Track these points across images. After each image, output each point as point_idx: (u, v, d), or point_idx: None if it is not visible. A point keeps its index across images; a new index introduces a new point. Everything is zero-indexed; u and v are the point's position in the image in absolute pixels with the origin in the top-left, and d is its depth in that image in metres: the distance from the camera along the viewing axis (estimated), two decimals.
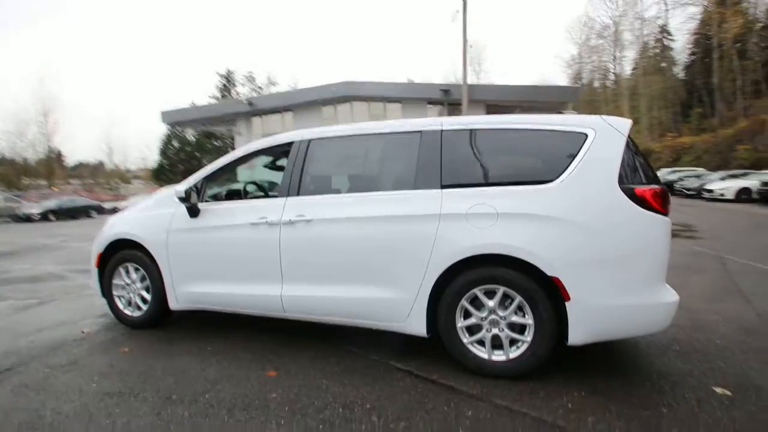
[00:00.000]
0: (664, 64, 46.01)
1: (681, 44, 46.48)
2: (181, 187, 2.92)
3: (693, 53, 44.12)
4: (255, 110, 21.18)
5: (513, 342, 2.30)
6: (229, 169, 3.19)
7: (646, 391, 2.12)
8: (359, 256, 2.53)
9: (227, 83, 46.84)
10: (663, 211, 2.16)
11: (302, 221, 2.65)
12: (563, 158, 2.31)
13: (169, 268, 3.05)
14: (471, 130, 2.52)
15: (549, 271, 2.16)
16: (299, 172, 2.80)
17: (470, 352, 2.35)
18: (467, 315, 2.37)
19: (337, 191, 2.73)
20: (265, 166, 3.74)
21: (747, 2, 36.46)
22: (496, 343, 2.32)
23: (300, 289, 2.69)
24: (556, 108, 17.18)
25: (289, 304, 2.72)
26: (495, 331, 2.32)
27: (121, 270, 3.28)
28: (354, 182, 2.73)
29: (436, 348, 2.63)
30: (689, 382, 2.22)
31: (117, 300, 3.33)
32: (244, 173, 4.29)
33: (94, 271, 3.38)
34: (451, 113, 19.05)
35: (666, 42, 46.70)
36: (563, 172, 2.27)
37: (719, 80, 37.01)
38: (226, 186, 3.56)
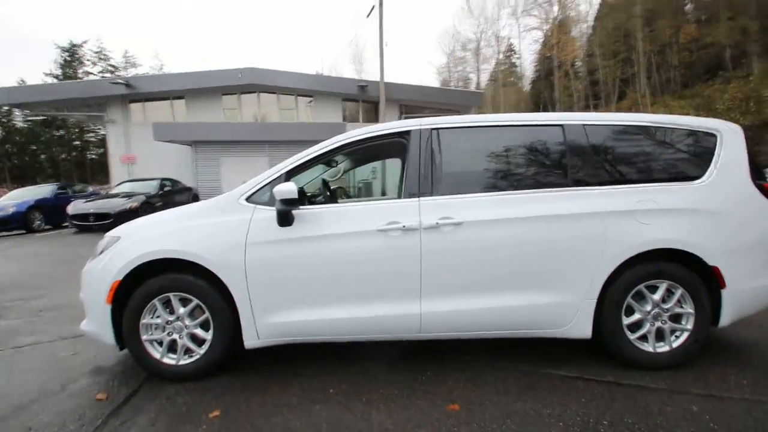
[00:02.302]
0: (511, 79, 54.34)
1: (529, 62, 55.65)
2: (285, 186, 2.22)
3: (538, 70, 53.17)
4: (134, 94, 17.89)
5: (672, 332, 2.39)
6: (317, 163, 2.57)
7: None
8: (519, 260, 2.30)
9: (71, 59, 38.44)
10: None
11: (449, 225, 2.28)
12: (703, 156, 2.48)
13: (247, 295, 2.30)
14: (614, 125, 2.50)
15: (710, 261, 2.30)
16: (429, 167, 2.40)
17: (636, 348, 2.35)
18: (629, 312, 2.37)
19: (482, 189, 2.41)
20: (355, 162, 3.13)
21: (579, 31, 45.12)
22: (657, 336, 2.38)
23: (444, 304, 2.31)
24: (463, 110, 18.65)
25: (430, 322, 2.32)
26: (658, 324, 2.37)
27: (157, 304, 2.36)
28: (495, 179, 2.46)
29: (573, 349, 2.57)
30: None
31: (149, 347, 2.39)
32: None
33: (104, 310, 2.35)
34: (366, 111, 19.06)
35: (514, 59, 55.42)
36: (707, 169, 2.44)
37: (560, 94, 45.22)
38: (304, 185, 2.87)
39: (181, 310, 2.37)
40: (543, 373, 2.36)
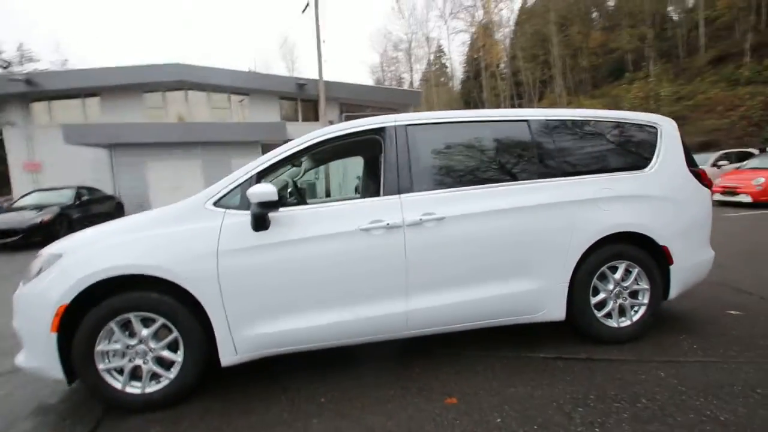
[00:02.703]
0: (442, 79, 56.72)
1: (458, 63, 58.35)
2: (263, 188, 2.05)
3: (467, 71, 55.94)
4: (36, 92, 15.85)
5: (632, 307, 2.61)
6: (287, 164, 2.42)
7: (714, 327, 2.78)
8: (500, 251, 2.38)
9: None
10: (709, 186, 2.84)
11: (432, 220, 2.28)
12: (647, 147, 2.74)
13: (222, 308, 2.11)
14: (573, 121, 2.68)
15: (660, 241, 2.56)
16: (407, 163, 2.38)
17: (603, 325, 2.54)
18: (595, 292, 2.56)
19: (459, 184, 2.44)
20: (325, 159, 2.96)
21: (502, 35, 48.11)
22: (619, 312, 2.59)
23: (430, 300, 2.31)
24: (402, 109, 18.95)
25: (417, 319, 2.31)
26: (620, 301, 2.58)
27: (115, 327, 2.08)
28: (471, 174, 2.49)
29: (545, 332, 2.72)
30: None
31: (108, 377, 2.09)
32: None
33: (48, 340, 2.02)
34: (305, 110, 18.60)
35: (444, 60, 57.89)
36: (652, 159, 2.71)
37: (487, 95, 47.94)
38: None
39: (144, 332, 2.11)
40: (525, 357, 2.46)
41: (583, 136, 2.69)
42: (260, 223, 2.12)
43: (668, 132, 2.80)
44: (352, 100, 18.22)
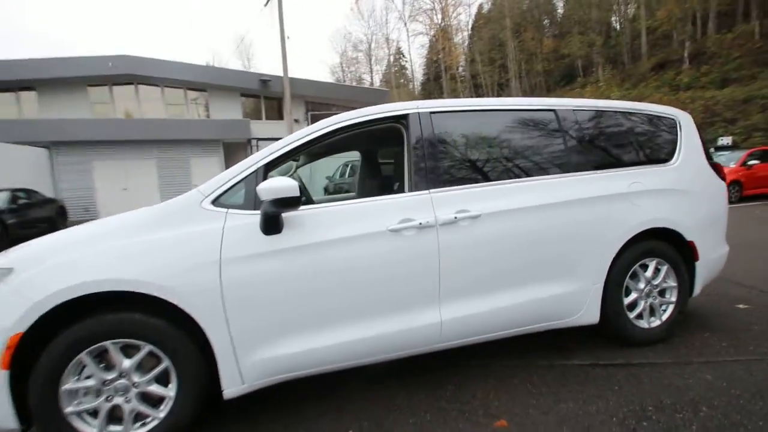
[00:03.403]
0: (402, 80, 57.19)
1: (419, 65, 59.00)
2: (279, 182, 1.69)
3: (427, 74, 56.73)
4: None
5: (660, 306, 2.50)
6: (296, 154, 2.07)
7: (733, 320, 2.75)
8: (537, 251, 2.17)
9: None
10: (725, 181, 2.80)
11: (467, 218, 2.03)
12: (669, 140, 2.65)
13: (226, 328, 1.74)
14: (599, 111, 2.53)
15: (688, 237, 2.47)
16: (435, 155, 2.11)
17: (636, 327, 2.41)
18: (627, 292, 2.42)
19: (491, 178, 2.20)
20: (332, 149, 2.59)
21: (461, 39, 49.23)
22: (650, 312, 2.48)
23: (465, 307, 2.06)
24: None
25: (452, 328, 2.04)
26: (650, 300, 2.46)
27: (87, 359, 1.64)
28: (503, 167, 2.25)
29: (562, 335, 2.56)
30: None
31: (78, 421, 1.65)
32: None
33: (0, 376, 1.56)
34: (268, 107, 17.83)
35: (403, 62, 58.36)
36: (675, 152, 2.62)
37: (447, 97, 48.85)
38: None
39: (126, 363, 1.69)
40: (560, 366, 2.28)
41: (610, 127, 2.55)
42: (273, 224, 1.77)
43: (686, 124, 2.74)
44: (318, 98, 17.69)
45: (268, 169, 1.96)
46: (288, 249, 1.81)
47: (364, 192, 3.27)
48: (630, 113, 2.63)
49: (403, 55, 57.80)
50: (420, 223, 1.96)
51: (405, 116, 2.15)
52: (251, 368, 1.80)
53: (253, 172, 1.91)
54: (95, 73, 14.81)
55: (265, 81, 16.17)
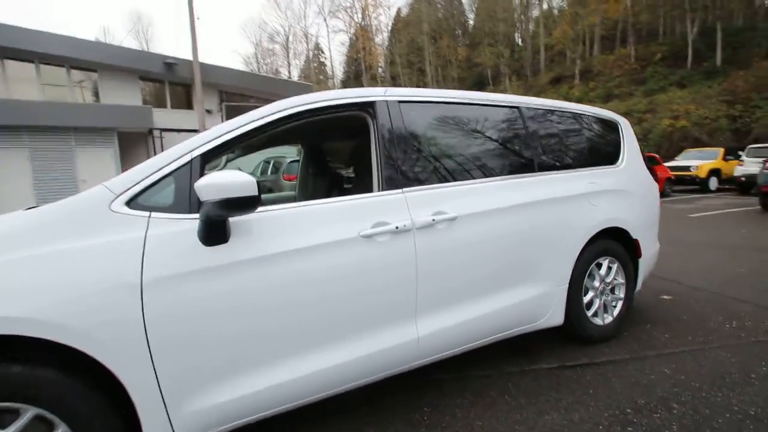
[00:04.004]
0: (322, 77, 56.35)
1: (339, 62, 58.51)
2: (231, 177, 1.27)
3: (347, 72, 56.49)
4: None
5: (611, 303, 2.58)
6: (241, 143, 1.64)
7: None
8: (510, 255, 2.04)
9: None
10: (657, 181, 3.00)
11: (444, 220, 1.81)
12: (614, 142, 2.75)
13: (152, 372, 1.28)
14: (555, 111, 2.51)
15: (634, 235, 2.58)
16: (404, 151, 1.86)
17: (593, 325, 2.44)
18: (585, 291, 2.44)
19: (464, 176, 2.01)
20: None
21: (381, 39, 49.91)
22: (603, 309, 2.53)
23: (442, 319, 1.85)
24: None
25: (429, 344, 1.81)
26: (603, 298, 2.51)
27: None
28: (474, 164, 2.06)
29: (526, 338, 2.53)
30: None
31: None
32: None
33: None
34: (175, 95, 15.96)
35: (322, 59, 57.41)
36: (619, 154, 2.73)
37: None
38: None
39: None
40: (531, 371, 2.19)
41: (567, 128, 2.55)
42: (218, 232, 1.36)
43: (626, 127, 2.88)
44: (233, 88, 16.32)
45: (206, 160, 1.53)
46: (238, 263, 1.41)
47: (310, 192, 2.90)
48: (581, 115, 2.67)
49: (323, 52, 56.75)
50: (396, 227, 1.69)
51: (372, 104, 1.87)
52: (188, 421, 1.37)
53: (185, 164, 1.46)
54: None
55: (170, 64, 14.38)
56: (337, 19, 52.14)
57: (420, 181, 1.86)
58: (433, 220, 1.78)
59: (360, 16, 49.17)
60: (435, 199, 1.85)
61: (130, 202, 1.36)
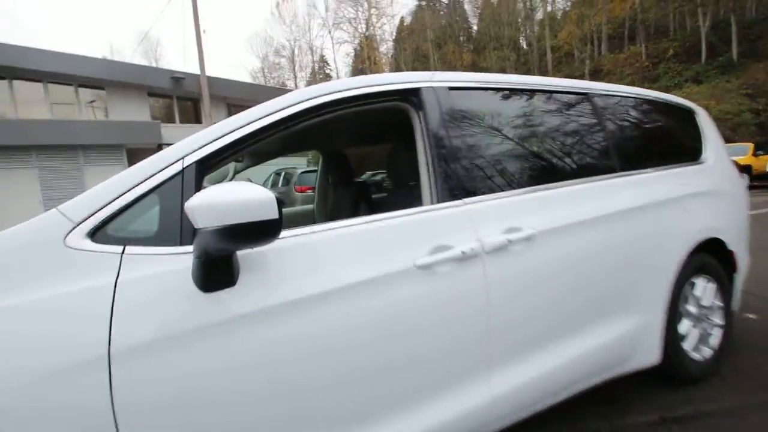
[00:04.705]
0: None
1: (344, 73, 58.61)
2: (240, 191, 0.85)
3: None
4: None
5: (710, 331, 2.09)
6: (248, 146, 1.22)
7: None
8: (599, 278, 1.58)
9: None
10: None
11: (520, 240, 1.37)
12: (694, 135, 2.29)
13: None
14: (621, 97, 2.05)
15: (730, 246, 2.10)
16: (461, 151, 1.43)
17: (692, 361, 1.95)
18: (678, 319, 1.96)
19: (534, 181, 1.57)
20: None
21: (386, 48, 50.05)
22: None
23: (521, 369, 1.39)
24: None
25: (505, 404, 1.36)
26: (701, 326, 2.03)
27: None
28: (545, 166, 1.63)
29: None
30: None
31: None
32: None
33: None
34: (183, 110, 15.85)
35: (327, 71, 57.54)
36: (702, 148, 2.26)
37: None
38: None
39: None
40: (626, 426, 1.72)
41: (642, 118, 2.10)
42: (220, 272, 0.94)
43: (704, 117, 2.41)
44: (241, 101, 16.11)
45: (204, 170, 1.11)
46: (251, 317, 0.98)
47: (330, 206, 2.49)
48: (654, 101, 2.21)
49: (328, 63, 57.06)
50: (462, 252, 1.25)
51: (416, 92, 1.44)
52: None
53: (174, 176, 1.04)
54: None
55: (178, 79, 14.25)
56: (341, 31, 52.37)
57: (484, 189, 1.42)
58: (508, 240, 1.33)
59: (364, 26, 49.43)
60: (505, 211, 1.41)
61: (96, 234, 0.95)
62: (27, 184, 12.15)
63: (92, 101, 14.47)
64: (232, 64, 76.43)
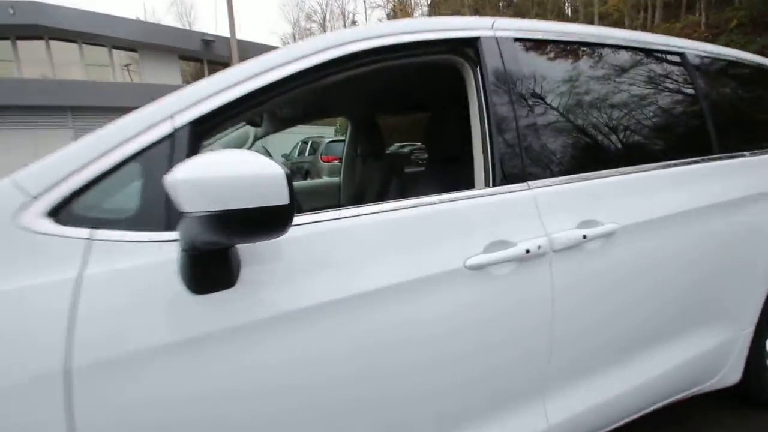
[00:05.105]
0: None
1: None
2: (245, 163, 0.61)
3: None
4: None
5: None
6: (253, 107, 0.96)
7: None
8: (689, 285, 1.28)
9: None
10: None
11: (599, 237, 1.08)
12: None
13: None
14: (723, 61, 1.64)
15: None
16: (526, 119, 1.12)
17: None
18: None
19: (614, 161, 1.26)
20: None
21: (421, 13, 47.94)
22: None
23: (585, 391, 1.14)
24: None
25: (564, 430, 1.12)
26: None
27: None
28: (628, 144, 1.30)
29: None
30: None
31: None
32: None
33: None
34: (212, 72, 15.67)
35: None
36: None
37: None
38: None
39: None
40: None
41: (743, 87, 1.70)
42: (213, 270, 0.71)
43: None
44: None
45: (201, 133, 0.87)
46: (254, 326, 0.76)
47: (358, 180, 2.24)
48: (758, 67, 1.79)
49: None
50: (527, 250, 0.98)
51: (473, 43, 1.13)
52: None
53: (161, 140, 0.80)
54: None
55: (208, 41, 14.04)
56: None
57: (554, 170, 1.12)
58: (584, 236, 1.04)
59: None
60: (580, 199, 1.11)
61: (58, 212, 0.73)
62: (63, 144, 12.52)
63: (128, 64, 14.56)
64: (263, 29, 75.60)
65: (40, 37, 13.05)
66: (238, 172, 0.61)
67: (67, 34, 13.06)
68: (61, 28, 12.79)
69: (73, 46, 13.55)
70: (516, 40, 1.19)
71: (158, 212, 0.76)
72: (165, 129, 0.80)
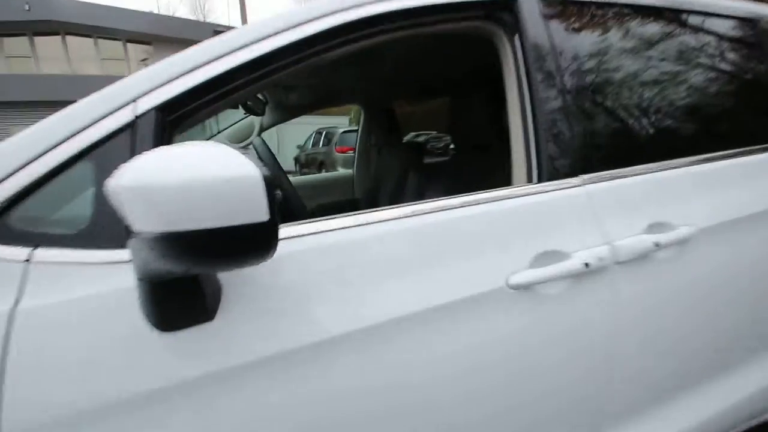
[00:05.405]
0: None
1: None
2: (207, 161, 0.43)
3: None
4: None
5: None
6: (243, 86, 0.76)
7: None
8: (764, 298, 1.07)
9: None
10: None
11: (673, 243, 0.87)
12: None
13: None
14: None
15: None
16: (578, 98, 0.91)
17: None
18: None
19: (683, 149, 1.04)
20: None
21: None
22: None
23: (647, 425, 0.95)
24: None
25: None
26: None
27: None
28: (700, 126, 1.08)
29: None
30: None
31: None
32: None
33: None
34: None
35: None
36: None
37: None
38: None
39: None
40: None
41: None
42: (185, 298, 0.54)
43: None
44: None
45: (173, 123, 0.69)
46: (241, 370, 0.59)
47: (373, 173, 2.05)
48: None
49: None
50: (586, 264, 0.77)
51: (511, 4, 0.91)
52: None
53: (119, 130, 0.63)
54: (9, 18, 12.18)
55: (219, 32, 13.95)
56: None
57: (611, 162, 0.91)
58: (655, 244, 0.83)
59: None
60: (647, 196, 0.90)
61: None
62: None
63: (144, 59, 14.62)
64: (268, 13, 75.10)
65: (56, 33, 13.19)
66: (202, 173, 0.43)
67: (81, 29, 13.15)
68: (76, 23, 12.88)
69: (89, 41, 13.66)
70: (565, 1, 0.97)
71: (115, 225, 0.59)
72: (124, 117, 0.63)
